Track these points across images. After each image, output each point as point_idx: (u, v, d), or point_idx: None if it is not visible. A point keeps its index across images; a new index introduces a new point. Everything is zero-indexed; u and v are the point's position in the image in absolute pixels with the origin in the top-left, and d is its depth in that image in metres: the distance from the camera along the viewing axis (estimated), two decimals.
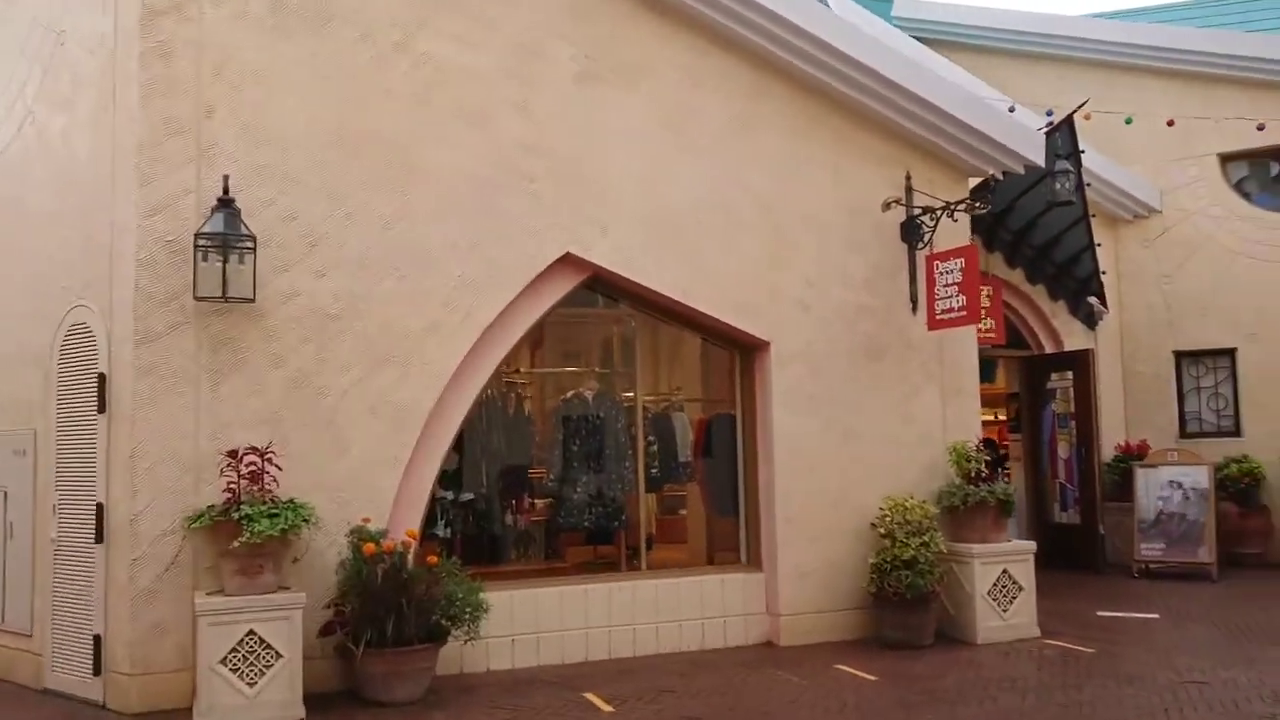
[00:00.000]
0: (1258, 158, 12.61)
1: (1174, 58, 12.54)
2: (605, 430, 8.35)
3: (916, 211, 8.50)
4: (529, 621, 7.33)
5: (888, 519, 7.93)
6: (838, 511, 8.16)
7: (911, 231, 8.56)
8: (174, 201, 6.36)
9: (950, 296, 8.12)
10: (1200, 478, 11.15)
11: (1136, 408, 12.84)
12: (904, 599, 7.68)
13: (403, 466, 6.86)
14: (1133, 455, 12.19)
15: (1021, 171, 8.99)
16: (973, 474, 8.23)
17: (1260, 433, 12.08)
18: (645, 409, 8.52)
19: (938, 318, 8.28)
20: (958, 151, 8.70)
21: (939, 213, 8.34)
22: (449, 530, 7.85)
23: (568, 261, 7.52)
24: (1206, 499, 11.03)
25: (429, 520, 7.39)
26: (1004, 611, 8.02)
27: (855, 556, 8.10)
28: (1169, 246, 12.74)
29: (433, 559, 6.51)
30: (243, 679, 5.78)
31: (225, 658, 5.78)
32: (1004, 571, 8.07)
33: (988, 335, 10.96)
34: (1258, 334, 12.20)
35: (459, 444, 7.66)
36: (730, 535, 8.51)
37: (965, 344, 8.83)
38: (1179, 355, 12.69)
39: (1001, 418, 14.27)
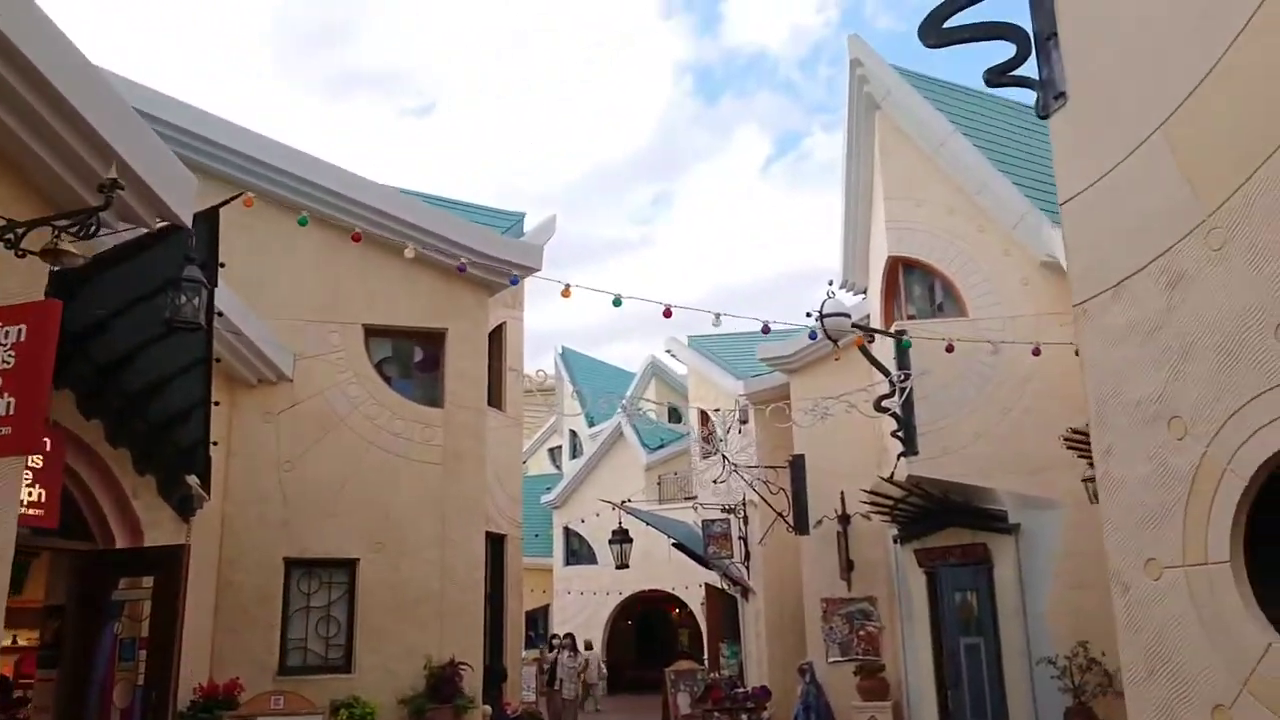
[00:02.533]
0: (403, 338, 10.99)
1: (343, 206, 10.42)
2: None
3: None
4: None
5: None
6: None
7: None
8: None
9: None
10: None
11: (230, 633, 9.51)
12: None
13: None
14: (219, 701, 8.75)
15: (187, 225, 5.49)
16: None
17: (374, 666, 9.75)
18: None
19: None
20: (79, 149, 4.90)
21: None
22: None
23: None
24: None
25: None
26: None
27: None
28: (297, 424, 10.12)
29: None
30: None
31: None
32: None
33: (34, 514, 6.94)
34: (384, 544, 10.09)
35: None
36: None
37: None
38: (291, 564, 9.89)
39: (28, 643, 9.61)
